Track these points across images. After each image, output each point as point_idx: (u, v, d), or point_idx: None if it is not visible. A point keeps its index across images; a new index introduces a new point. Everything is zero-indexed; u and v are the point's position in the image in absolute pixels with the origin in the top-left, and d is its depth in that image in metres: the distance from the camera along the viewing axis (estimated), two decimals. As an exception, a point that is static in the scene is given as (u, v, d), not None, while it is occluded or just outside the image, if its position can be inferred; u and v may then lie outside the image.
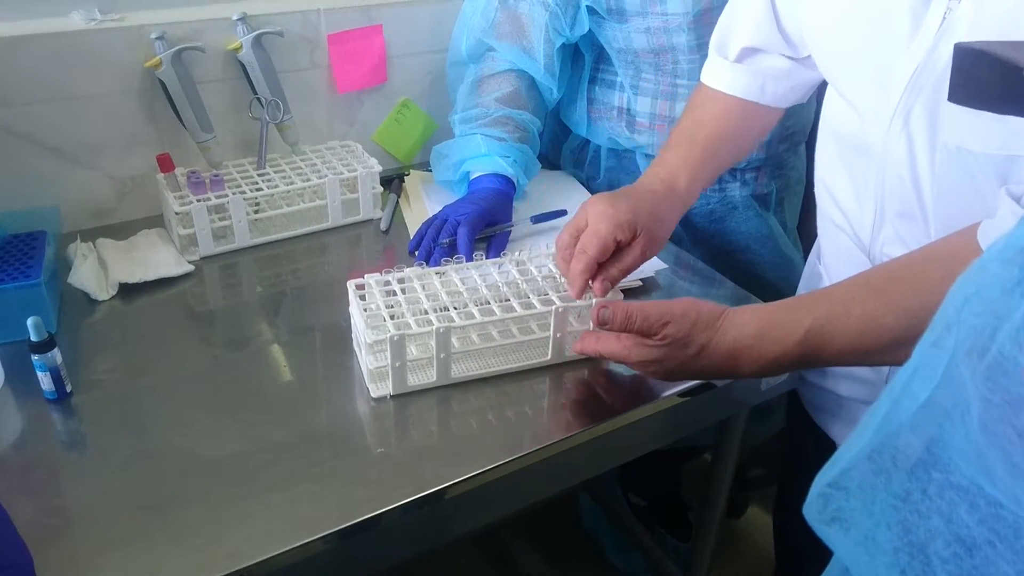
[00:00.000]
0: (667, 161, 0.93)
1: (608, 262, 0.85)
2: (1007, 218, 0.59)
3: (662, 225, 0.87)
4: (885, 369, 0.85)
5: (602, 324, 0.76)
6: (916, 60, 0.67)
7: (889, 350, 0.65)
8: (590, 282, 0.84)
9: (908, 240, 0.76)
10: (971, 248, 0.60)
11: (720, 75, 0.95)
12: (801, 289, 1.05)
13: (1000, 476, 0.27)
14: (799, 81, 0.94)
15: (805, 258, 1.29)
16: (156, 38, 1.06)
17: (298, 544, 0.66)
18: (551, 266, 0.94)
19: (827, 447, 0.98)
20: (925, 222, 0.73)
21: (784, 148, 1.20)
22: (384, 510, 0.70)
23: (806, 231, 1.35)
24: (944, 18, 0.65)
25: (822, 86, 1.07)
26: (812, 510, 0.37)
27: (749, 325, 0.72)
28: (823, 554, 0.41)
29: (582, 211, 0.86)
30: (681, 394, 0.86)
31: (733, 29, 0.94)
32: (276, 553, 0.66)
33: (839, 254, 0.86)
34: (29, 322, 0.77)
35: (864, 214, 0.80)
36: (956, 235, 0.63)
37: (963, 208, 0.64)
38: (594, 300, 0.85)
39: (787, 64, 0.93)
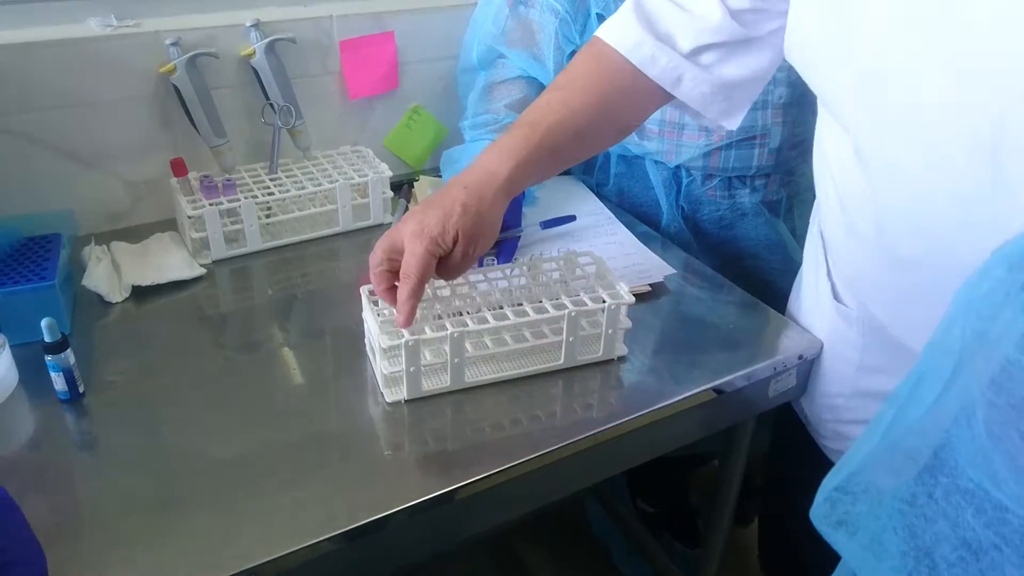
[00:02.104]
0: (500, 143, 0.84)
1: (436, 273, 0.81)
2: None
3: (479, 219, 0.79)
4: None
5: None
6: None
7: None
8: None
9: None
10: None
11: (623, 35, 0.85)
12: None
13: (1005, 480, 0.27)
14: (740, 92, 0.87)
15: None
16: (171, 44, 1.07)
17: (306, 545, 0.67)
18: (563, 271, 0.94)
19: (812, 450, 0.98)
20: None
21: (794, 155, 1.20)
22: (392, 511, 0.70)
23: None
24: None
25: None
26: (819, 514, 0.37)
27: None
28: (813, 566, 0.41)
29: (396, 229, 0.80)
30: (687, 400, 0.86)
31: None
32: (284, 553, 0.66)
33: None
34: (43, 323, 0.78)
35: None
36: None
37: None
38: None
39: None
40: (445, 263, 0.80)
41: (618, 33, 0.85)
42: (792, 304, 1.03)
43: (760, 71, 0.86)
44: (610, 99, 0.86)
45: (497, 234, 0.83)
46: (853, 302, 0.88)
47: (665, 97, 0.87)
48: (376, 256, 0.79)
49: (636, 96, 0.87)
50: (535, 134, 0.82)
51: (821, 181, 0.88)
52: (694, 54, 0.84)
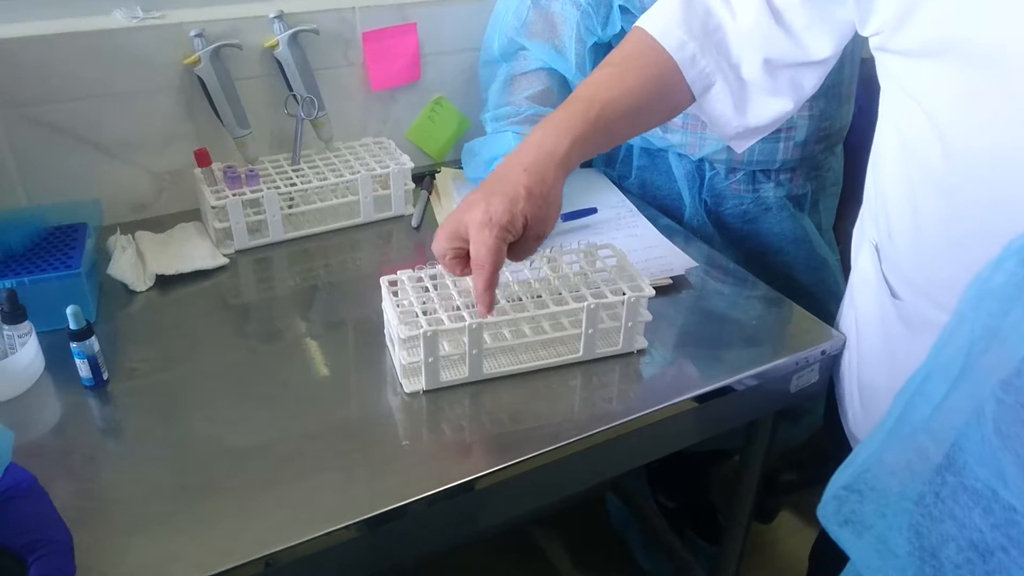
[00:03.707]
0: (553, 121, 0.82)
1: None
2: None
3: (543, 202, 0.78)
4: None
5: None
6: None
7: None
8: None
9: None
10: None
11: (667, 31, 0.84)
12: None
13: (1014, 479, 0.27)
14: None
15: (840, 260, 1.28)
16: (195, 36, 1.08)
17: (323, 532, 0.67)
18: (583, 263, 0.94)
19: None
20: None
21: (820, 149, 1.18)
22: (410, 500, 0.71)
23: (842, 233, 1.33)
24: None
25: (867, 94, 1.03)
26: (826, 511, 0.37)
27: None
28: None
29: (458, 218, 0.78)
30: (708, 394, 0.85)
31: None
32: (301, 541, 0.67)
33: None
34: (68, 311, 0.79)
35: None
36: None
37: None
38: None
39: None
40: (514, 247, 0.79)
41: (663, 28, 0.84)
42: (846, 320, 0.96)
43: (783, 113, 0.86)
44: (662, 80, 0.84)
45: (560, 212, 0.82)
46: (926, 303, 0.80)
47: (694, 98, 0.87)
48: (440, 245, 0.78)
49: (682, 83, 0.85)
50: (591, 110, 0.81)
51: (886, 187, 0.81)
52: (738, 60, 0.83)
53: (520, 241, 0.78)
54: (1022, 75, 0.61)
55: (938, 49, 0.67)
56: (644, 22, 0.86)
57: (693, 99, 0.87)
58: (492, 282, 0.76)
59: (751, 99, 0.86)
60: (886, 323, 0.83)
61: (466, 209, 0.77)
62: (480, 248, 0.75)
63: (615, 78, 0.84)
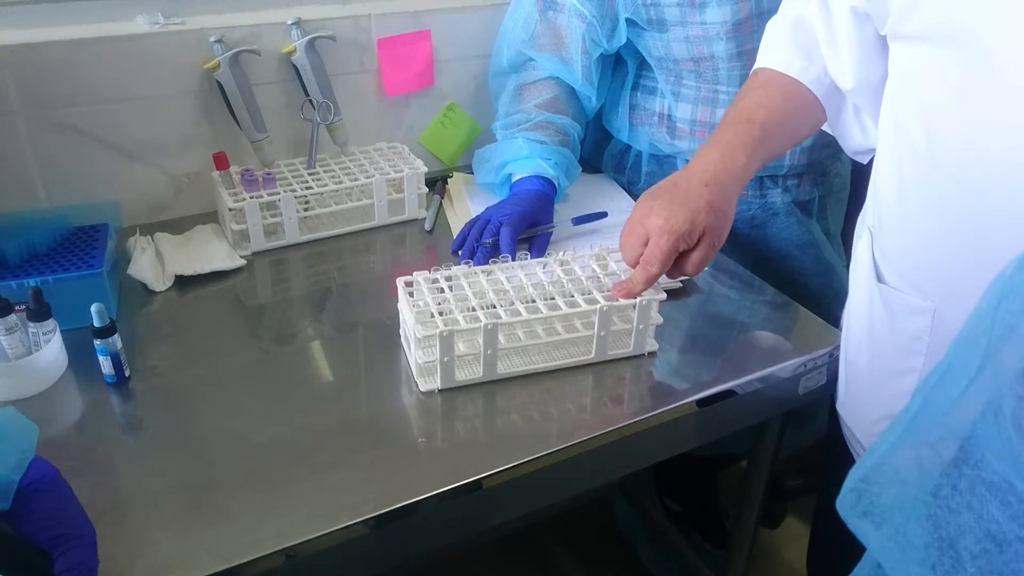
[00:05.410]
0: (723, 141, 0.88)
1: (674, 265, 0.87)
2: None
3: (723, 215, 0.85)
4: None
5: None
6: None
7: None
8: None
9: None
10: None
11: (790, 62, 0.91)
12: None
13: (1031, 473, 0.28)
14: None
15: (848, 266, 1.29)
16: (215, 41, 1.10)
17: (339, 527, 0.69)
18: (595, 266, 0.95)
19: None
20: None
21: (827, 155, 1.19)
22: (422, 497, 0.72)
23: (850, 239, 1.33)
24: None
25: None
26: (845, 503, 0.38)
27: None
28: (855, 562, 0.42)
29: (641, 223, 0.85)
30: (717, 396, 0.87)
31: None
32: (317, 535, 0.68)
33: None
34: (93, 308, 0.80)
35: None
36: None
37: None
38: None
39: None
40: (687, 257, 0.85)
41: (785, 61, 0.91)
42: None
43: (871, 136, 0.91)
44: (800, 99, 0.91)
45: (731, 223, 0.87)
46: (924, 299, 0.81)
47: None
48: (635, 252, 0.86)
49: (816, 101, 0.91)
50: (754, 128, 0.87)
51: (879, 170, 0.85)
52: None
53: (696, 249, 0.85)
54: (999, 61, 0.65)
55: (933, 35, 0.71)
56: (764, 62, 0.93)
57: (826, 116, 0.93)
58: (652, 282, 0.84)
59: (860, 116, 0.91)
60: (872, 306, 0.86)
61: (647, 214, 0.85)
62: (654, 250, 0.83)
63: (764, 99, 0.90)
